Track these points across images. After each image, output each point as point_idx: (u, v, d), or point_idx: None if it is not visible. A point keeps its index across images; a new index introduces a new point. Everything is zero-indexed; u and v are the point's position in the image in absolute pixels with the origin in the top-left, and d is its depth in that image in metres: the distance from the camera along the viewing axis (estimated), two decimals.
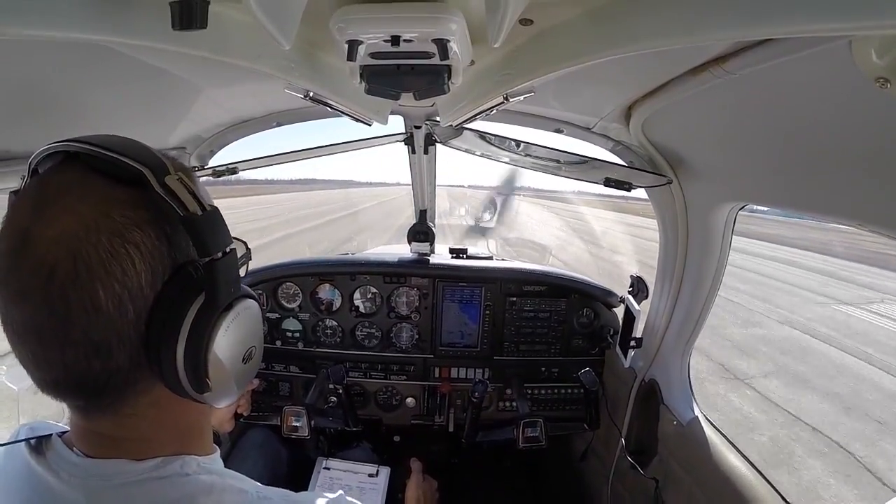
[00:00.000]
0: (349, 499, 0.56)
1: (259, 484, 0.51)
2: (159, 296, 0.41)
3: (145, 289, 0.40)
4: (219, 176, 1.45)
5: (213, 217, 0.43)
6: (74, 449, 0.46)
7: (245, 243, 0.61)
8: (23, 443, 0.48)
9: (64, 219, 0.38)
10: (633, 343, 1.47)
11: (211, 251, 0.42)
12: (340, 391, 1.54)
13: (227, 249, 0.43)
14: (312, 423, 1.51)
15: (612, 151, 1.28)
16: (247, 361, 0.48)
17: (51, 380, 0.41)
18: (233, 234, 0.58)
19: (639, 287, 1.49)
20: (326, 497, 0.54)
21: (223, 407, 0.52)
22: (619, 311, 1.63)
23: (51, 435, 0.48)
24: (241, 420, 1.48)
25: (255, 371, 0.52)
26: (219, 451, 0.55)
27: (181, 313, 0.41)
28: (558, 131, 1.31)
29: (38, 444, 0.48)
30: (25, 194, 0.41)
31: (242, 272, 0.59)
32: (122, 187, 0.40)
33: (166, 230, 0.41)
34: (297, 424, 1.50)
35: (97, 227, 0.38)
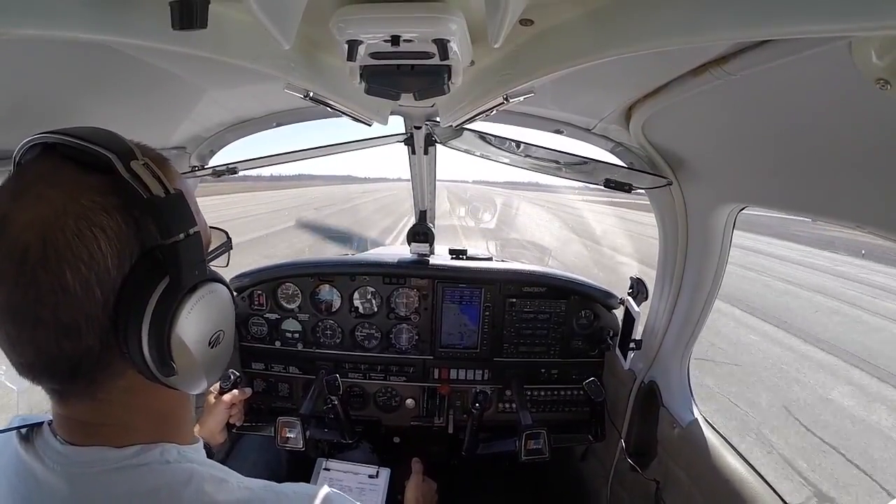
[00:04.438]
0: (334, 490, 0.55)
1: (240, 475, 0.51)
2: (127, 278, 0.42)
3: (112, 271, 0.41)
4: (219, 176, 1.45)
5: (175, 200, 0.43)
6: (58, 437, 0.47)
7: (226, 232, 0.61)
8: (14, 431, 0.48)
9: (36, 204, 0.39)
10: (632, 345, 1.47)
11: (172, 233, 0.42)
12: (336, 402, 1.52)
13: (191, 231, 0.44)
14: (308, 433, 1.50)
15: (611, 152, 1.28)
16: (214, 346, 0.48)
17: (26, 362, 0.42)
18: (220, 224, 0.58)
19: (638, 289, 1.49)
20: (309, 488, 0.54)
21: (197, 393, 0.52)
22: (619, 313, 1.63)
23: (42, 423, 0.49)
24: (234, 431, 1.48)
25: (226, 357, 0.52)
26: (202, 442, 0.55)
27: (146, 295, 0.42)
28: (558, 132, 1.31)
29: (29, 432, 0.49)
30: (6, 183, 0.42)
31: (224, 261, 0.60)
32: (92, 173, 0.42)
33: (134, 214, 0.42)
34: (291, 436, 1.49)
35: (65, 212, 0.39)
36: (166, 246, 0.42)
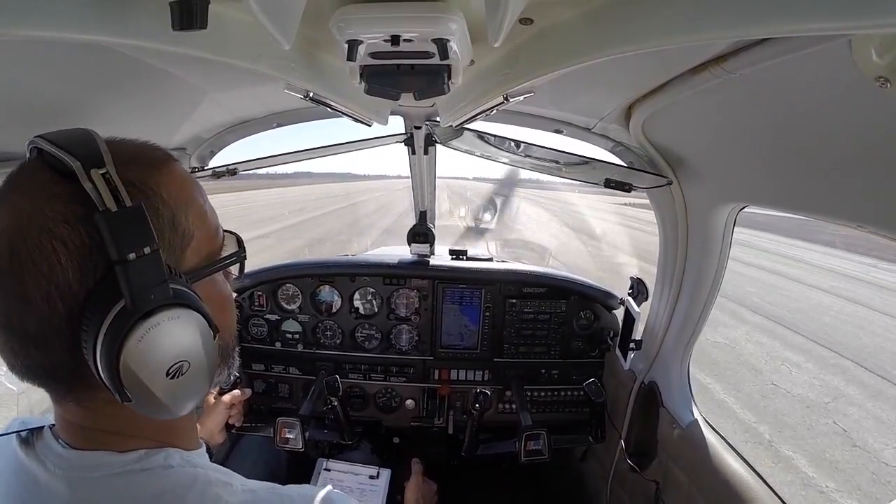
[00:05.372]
0: (336, 491, 0.55)
1: (244, 478, 0.51)
2: (90, 294, 0.40)
3: (74, 285, 0.39)
4: (219, 177, 1.45)
5: (130, 215, 0.40)
6: (60, 440, 0.46)
7: (238, 238, 0.56)
8: (14, 435, 0.48)
9: (9, 212, 0.39)
10: (632, 345, 1.47)
11: (122, 252, 0.39)
12: (335, 403, 1.52)
13: (145, 251, 0.40)
14: (307, 434, 1.50)
15: (612, 152, 1.29)
16: (174, 377, 0.43)
17: (9, 363, 0.42)
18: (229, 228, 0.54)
19: (639, 289, 1.49)
20: (312, 490, 0.53)
21: (188, 413, 0.49)
22: (619, 313, 1.63)
23: (42, 427, 0.49)
24: (234, 431, 1.47)
25: (195, 388, 0.46)
26: (205, 447, 0.55)
27: (101, 316, 0.39)
28: (558, 132, 1.32)
29: (29, 435, 0.48)
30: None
31: (235, 271, 0.57)
32: (63, 182, 0.40)
33: (98, 227, 0.39)
34: (291, 436, 1.49)
35: (29, 222, 0.38)
36: (118, 265, 0.39)
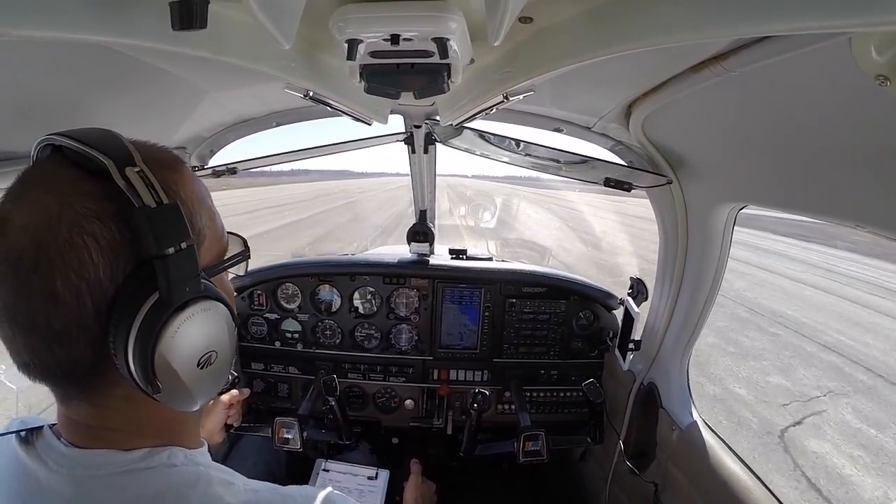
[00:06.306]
0: (337, 492, 0.55)
1: (246, 478, 0.51)
2: (120, 289, 0.40)
3: (104, 281, 0.40)
4: (218, 176, 1.45)
5: (167, 211, 0.41)
6: (62, 439, 0.47)
7: (244, 239, 0.58)
8: (13, 435, 0.48)
9: (33, 208, 0.39)
10: (632, 346, 1.47)
11: (161, 246, 0.40)
12: (333, 403, 1.52)
13: (183, 245, 0.42)
14: (305, 434, 1.49)
15: (611, 151, 1.28)
16: (204, 367, 0.46)
17: (22, 363, 0.42)
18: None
19: (638, 289, 1.49)
20: (313, 490, 0.54)
21: (193, 411, 0.50)
22: (619, 314, 1.62)
23: (42, 426, 0.49)
24: (232, 431, 1.47)
25: (220, 378, 0.49)
26: (206, 445, 0.55)
27: (133, 310, 0.40)
28: (558, 130, 1.31)
29: (29, 435, 0.48)
30: (14, 184, 0.42)
31: (241, 270, 0.58)
32: (90, 179, 0.41)
33: (130, 223, 0.40)
34: (289, 436, 1.49)
35: (59, 218, 0.38)
36: (157, 259, 0.41)
